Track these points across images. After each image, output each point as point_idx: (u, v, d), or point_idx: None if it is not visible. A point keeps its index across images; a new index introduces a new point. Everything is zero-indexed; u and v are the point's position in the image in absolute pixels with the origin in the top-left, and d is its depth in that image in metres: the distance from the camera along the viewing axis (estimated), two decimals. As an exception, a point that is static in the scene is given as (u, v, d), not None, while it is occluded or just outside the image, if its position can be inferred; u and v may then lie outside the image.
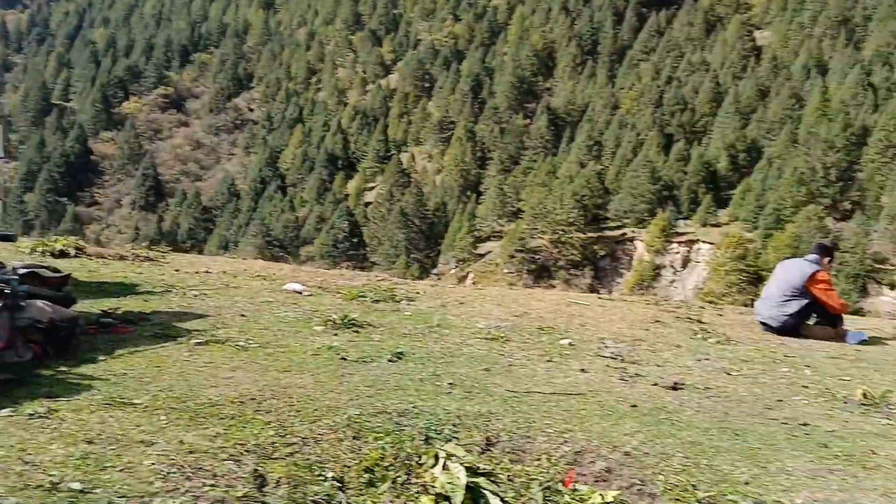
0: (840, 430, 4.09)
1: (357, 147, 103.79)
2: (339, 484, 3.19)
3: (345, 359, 4.56)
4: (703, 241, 67.96)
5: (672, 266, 69.10)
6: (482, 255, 75.69)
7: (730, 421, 4.10)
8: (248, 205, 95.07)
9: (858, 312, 54.46)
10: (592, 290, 69.06)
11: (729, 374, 5.10)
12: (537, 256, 72.25)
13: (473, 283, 70.50)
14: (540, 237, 72.90)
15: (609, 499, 3.19)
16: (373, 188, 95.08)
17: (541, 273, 72.00)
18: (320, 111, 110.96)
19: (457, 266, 74.96)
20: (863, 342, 6.62)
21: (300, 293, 6.44)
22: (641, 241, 71.27)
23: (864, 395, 4.72)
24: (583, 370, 4.88)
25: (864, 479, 3.40)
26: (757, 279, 61.74)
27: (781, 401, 4.61)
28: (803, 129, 73.23)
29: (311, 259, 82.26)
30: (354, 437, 3.49)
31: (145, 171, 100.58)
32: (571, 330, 5.97)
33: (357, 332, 5.27)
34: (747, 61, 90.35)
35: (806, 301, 6.75)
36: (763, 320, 6.89)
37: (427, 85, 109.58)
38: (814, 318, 7.05)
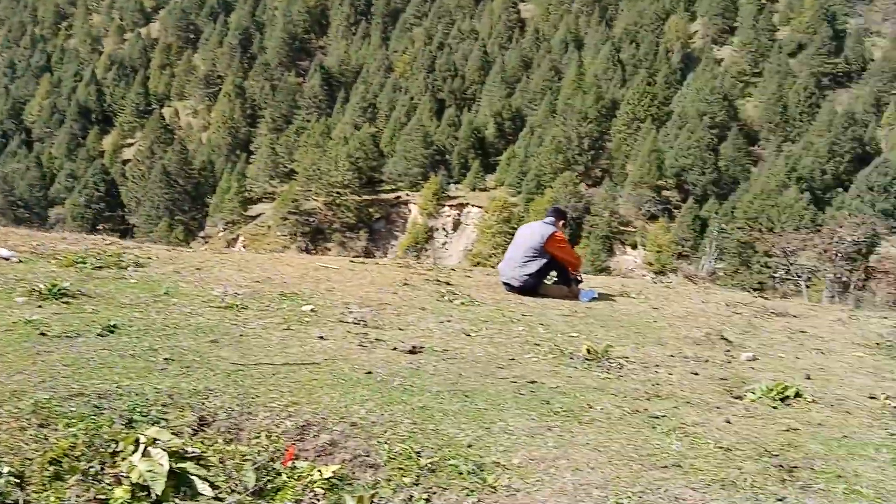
0: (563, 386, 4.25)
1: (114, 100, 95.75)
2: (17, 479, 2.75)
3: (44, 334, 3.97)
4: (473, 205, 70.91)
5: (444, 229, 71.46)
6: (253, 218, 73.35)
7: (462, 383, 4.11)
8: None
9: (606, 271, 59.92)
10: (367, 252, 69.70)
11: (468, 336, 5.16)
12: (311, 219, 71.36)
13: (244, 247, 68.25)
14: (314, 199, 72.00)
15: (328, 474, 3.02)
16: (132, 145, 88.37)
17: (315, 236, 71.31)
18: (71, 60, 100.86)
19: (225, 229, 72.04)
20: (593, 300, 7.07)
21: (7, 259, 5.60)
22: (415, 204, 72.87)
23: (588, 351, 4.98)
24: (321, 337, 4.68)
25: (579, 434, 3.53)
26: (520, 240, 65.77)
27: (514, 359, 4.73)
28: (561, 100, 78.47)
29: (61, 221, 75.03)
30: (41, 425, 3.03)
31: None
32: (316, 295, 5.74)
33: (67, 303, 4.64)
34: (512, 32, 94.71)
35: (545, 260, 7.08)
36: (506, 280, 7.14)
37: (192, 36, 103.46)
38: (553, 279, 7.42)
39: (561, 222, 7.50)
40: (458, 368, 4.37)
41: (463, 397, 3.86)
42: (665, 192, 69.07)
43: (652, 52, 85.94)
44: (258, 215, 73.76)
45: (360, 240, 70.25)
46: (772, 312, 7.37)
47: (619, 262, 65.70)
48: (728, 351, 5.55)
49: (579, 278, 7.50)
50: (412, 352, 4.58)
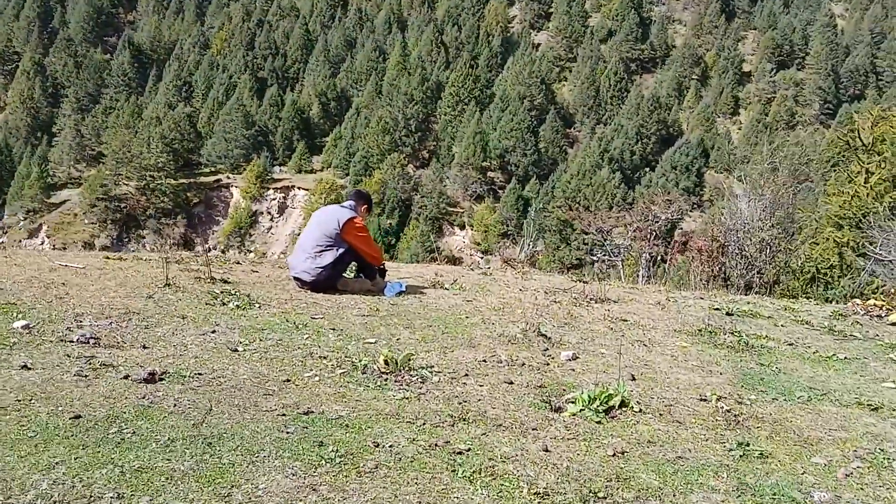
0: (347, 416, 3.35)
1: None
2: None
3: None
4: (299, 188, 68.73)
5: (269, 212, 68.81)
6: (58, 205, 66.99)
7: (210, 423, 3.09)
8: None
9: (436, 251, 60.11)
10: (186, 239, 65.83)
11: (234, 351, 4.11)
12: (123, 205, 66.26)
13: (47, 237, 62.32)
14: (126, 183, 66.89)
15: None
16: None
17: (128, 223, 66.34)
18: None
19: (26, 218, 65.31)
20: (400, 293, 6.23)
21: None
22: (237, 187, 69.59)
23: (386, 362, 4.10)
24: (25, 367, 3.47)
25: (354, 492, 2.62)
26: (348, 224, 64.59)
27: (289, 381, 3.76)
28: (387, 81, 77.73)
29: None
30: None
31: None
32: (40, 306, 4.46)
33: None
34: (335, 10, 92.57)
35: (341, 250, 6.15)
36: (297, 275, 6.15)
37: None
38: (355, 273, 6.52)
39: (363, 206, 6.56)
40: (209, 400, 3.34)
41: (204, 447, 2.85)
42: (490, 173, 70.33)
43: (473, 36, 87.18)
44: (63, 202, 67.48)
45: (178, 226, 66.11)
46: (591, 299, 6.86)
47: (448, 242, 66.24)
48: (546, 350, 4.87)
49: (383, 268, 6.62)
50: (149, 380, 3.49)
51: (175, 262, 6.28)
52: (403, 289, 6.38)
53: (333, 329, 4.76)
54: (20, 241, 63.18)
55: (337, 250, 6.08)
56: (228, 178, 71.08)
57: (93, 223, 64.70)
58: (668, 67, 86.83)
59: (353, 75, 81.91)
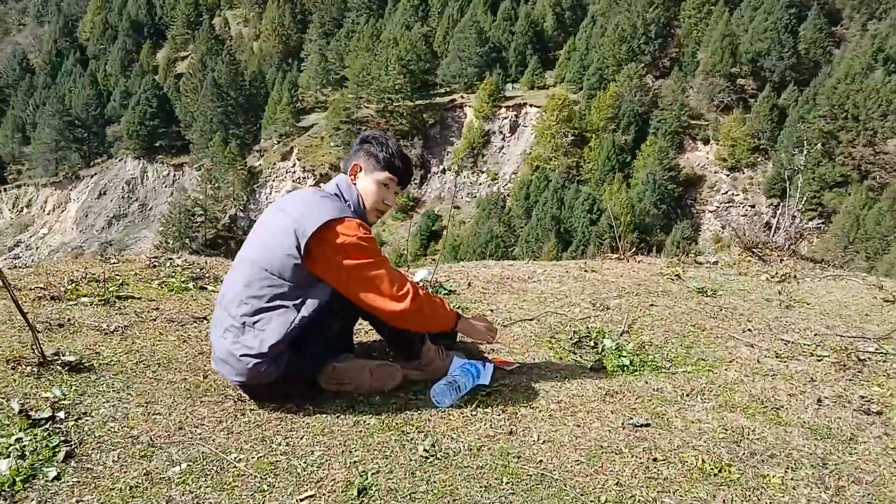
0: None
1: (165, 12, 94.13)
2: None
3: None
4: (531, 105, 67.14)
5: (501, 132, 68.18)
6: (307, 129, 71.57)
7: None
8: (44, 81, 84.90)
9: (674, 170, 56.07)
10: (423, 161, 67.58)
11: None
12: (364, 127, 69.10)
13: (298, 160, 66.96)
14: (366, 106, 69.56)
15: None
16: (185, 58, 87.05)
17: (369, 144, 69.23)
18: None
19: (279, 141, 70.62)
20: (476, 390, 3.64)
21: None
22: (470, 107, 69.57)
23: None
24: None
25: None
26: (581, 141, 62.21)
27: None
28: (625, -16, 72.54)
29: (118, 139, 75.38)
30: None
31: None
32: None
33: None
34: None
35: (311, 304, 2.79)
36: (216, 365, 2.92)
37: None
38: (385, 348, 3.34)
39: (377, 182, 3.01)
40: None
41: None
42: (740, 81, 63.72)
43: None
44: (311, 126, 71.93)
45: (415, 147, 67.77)
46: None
47: (689, 159, 61.57)
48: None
49: (449, 333, 3.22)
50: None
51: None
52: (484, 378, 3.15)
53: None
54: (274, 163, 68.63)
55: (295, 307, 2.75)
56: (462, 97, 71.20)
57: (337, 146, 68.24)
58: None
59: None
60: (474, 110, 68.42)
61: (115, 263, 4.72)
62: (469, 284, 4.88)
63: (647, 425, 2.86)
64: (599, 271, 5.61)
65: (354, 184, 3.03)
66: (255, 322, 2.75)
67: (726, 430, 2.85)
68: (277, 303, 2.75)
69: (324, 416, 2.81)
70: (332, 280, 2.76)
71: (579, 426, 2.82)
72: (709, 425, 2.89)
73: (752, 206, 56.54)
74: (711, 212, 58.04)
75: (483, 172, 66.14)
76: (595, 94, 63.56)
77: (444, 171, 67.95)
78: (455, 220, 60.39)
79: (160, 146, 74.79)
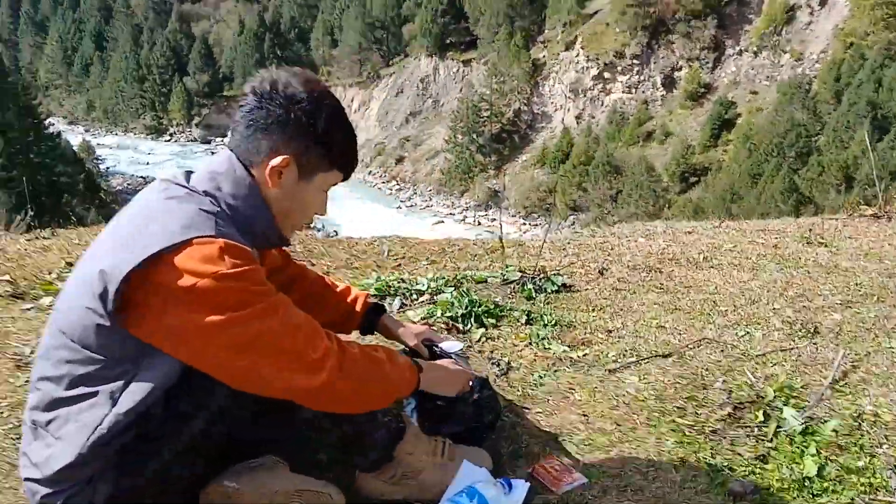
0: None
1: None
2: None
3: None
4: (848, -29, 58.90)
5: (809, 6, 60.88)
6: (591, 16, 69.72)
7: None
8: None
9: None
10: (717, 42, 63.08)
11: None
12: (653, 10, 65.61)
13: (582, 49, 65.86)
14: (655, -15, 65.83)
15: None
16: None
17: (657, 29, 65.86)
18: None
19: (563, 30, 69.75)
20: None
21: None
22: (774, -23, 62.79)
23: None
24: None
25: None
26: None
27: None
28: None
29: (413, 38, 79.56)
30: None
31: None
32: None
33: None
34: None
35: (146, 386, 1.54)
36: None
37: None
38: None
39: (331, 178, 1.71)
40: None
41: None
42: None
43: None
44: (596, 12, 69.92)
45: (708, 28, 63.19)
46: None
47: None
48: None
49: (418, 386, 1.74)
50: None
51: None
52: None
53: None
54: (557, 54, 68.18)
55: (110, 397, 1.49)
56: (765, -32, 64.40)
57: (623, 31, 65.79)
58: None
59: None
60: (778, -18, 61.70)
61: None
62: (601, 273, 3.30)
63: None
64: (831, 244, 3.79)
65: (271, 188, 1.62)
66: (47, 422, 1.53)
67: None
68: (81, 390, 1.50)
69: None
70: (178, 352, 1.49)
71: None
72: None
73: None
74: None
75: (786, 52, 60.02)
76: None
77: (740, 53, 62.79)
78: (752, 107, 56.08)
79: (451, 43, 77.73)
